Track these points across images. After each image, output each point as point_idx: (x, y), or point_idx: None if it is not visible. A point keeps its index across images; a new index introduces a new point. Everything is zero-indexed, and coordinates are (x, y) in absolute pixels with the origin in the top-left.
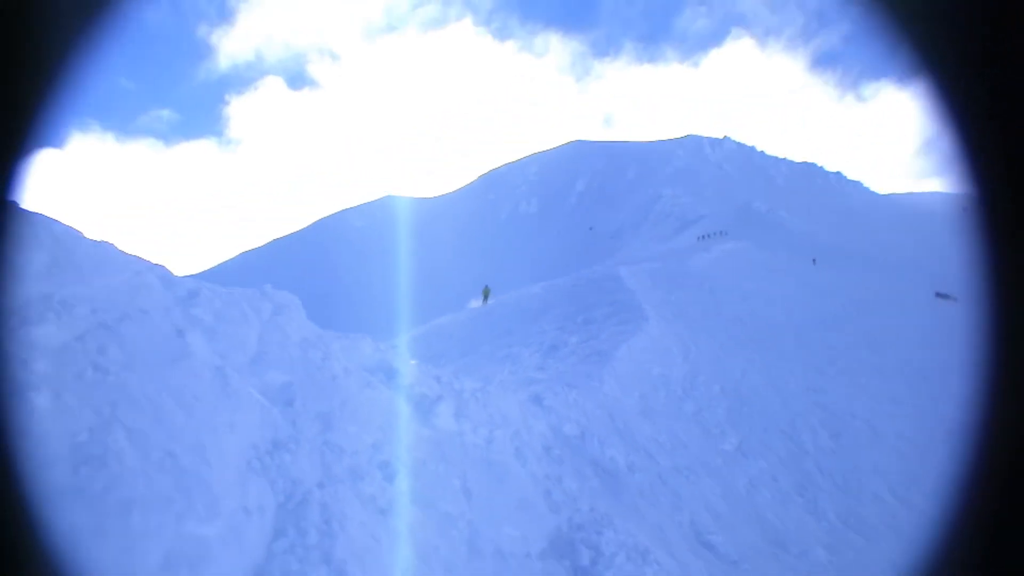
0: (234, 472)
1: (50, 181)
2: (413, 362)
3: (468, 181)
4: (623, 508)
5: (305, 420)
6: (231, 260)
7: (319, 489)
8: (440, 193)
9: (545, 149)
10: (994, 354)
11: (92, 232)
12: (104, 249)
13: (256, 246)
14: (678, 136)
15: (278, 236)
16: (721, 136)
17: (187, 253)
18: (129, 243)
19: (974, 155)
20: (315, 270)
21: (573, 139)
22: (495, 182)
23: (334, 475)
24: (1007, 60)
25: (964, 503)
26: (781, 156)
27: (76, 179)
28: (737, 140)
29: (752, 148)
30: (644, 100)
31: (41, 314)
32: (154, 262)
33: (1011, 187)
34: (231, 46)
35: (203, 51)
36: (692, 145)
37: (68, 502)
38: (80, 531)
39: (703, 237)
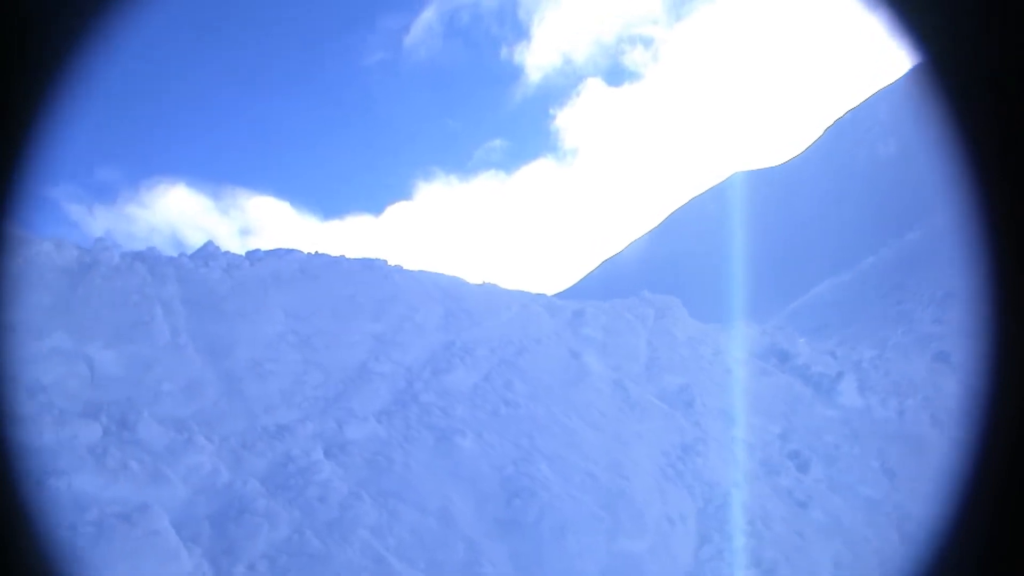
0: (651, 482)
1: (414, 234)
2: (802, 340)
3: (813, 139)
4: None
5: (708, 419)
6: (594, 271)
7: (735, 489)
8: (787, 158)
9: (889, 83)
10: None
11: (471, 275)
12: (487, 290)
13: (615, 252)
14: None
15: (635, 238)
16: None
17: (550, 273)
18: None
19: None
20: (678, 263)
21: (919, 63)
22: (842, 131)
23: (748, 472)
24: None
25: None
26: None
27: (434, 225)
28: None
29: None
30: None
31: (448, 362)
32: (534, 292)
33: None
34: (538, 59)
35: (513, 72)
36: None
37: (506, 533)
38: (521, 559)
39: None
